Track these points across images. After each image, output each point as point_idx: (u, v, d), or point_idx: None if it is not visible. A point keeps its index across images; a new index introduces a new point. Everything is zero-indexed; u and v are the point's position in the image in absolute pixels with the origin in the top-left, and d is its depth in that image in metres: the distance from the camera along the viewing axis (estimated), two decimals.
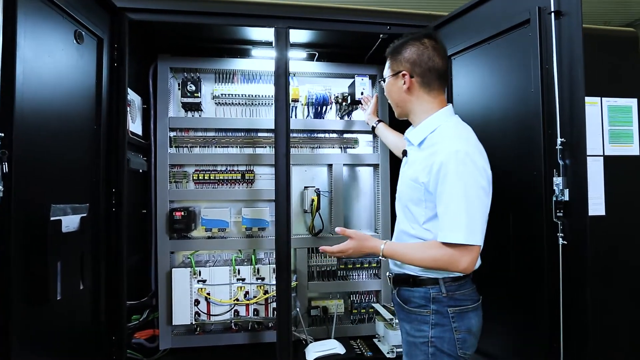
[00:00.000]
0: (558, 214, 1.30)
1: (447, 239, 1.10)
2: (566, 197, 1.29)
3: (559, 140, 1.30)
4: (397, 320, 1.99)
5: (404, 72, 1.25)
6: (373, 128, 2.02)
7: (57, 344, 1.29)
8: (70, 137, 1.38)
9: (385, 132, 1.96)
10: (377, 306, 2.26)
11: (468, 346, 1.20)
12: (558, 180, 1.31)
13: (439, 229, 1.13)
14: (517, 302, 1.46)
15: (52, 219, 1.21)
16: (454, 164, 1.11)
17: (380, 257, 1.25)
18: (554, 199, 1.31)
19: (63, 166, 1.33)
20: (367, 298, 2.37)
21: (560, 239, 1.29)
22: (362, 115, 2.42)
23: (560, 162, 1.30)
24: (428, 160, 1.18)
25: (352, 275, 2.36)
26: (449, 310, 1.18)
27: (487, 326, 1.29)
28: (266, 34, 2.03)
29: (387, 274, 1.40)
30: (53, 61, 1.26)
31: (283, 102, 1.81)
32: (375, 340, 2.21)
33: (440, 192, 1.13)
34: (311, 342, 2.10)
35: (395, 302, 1.33)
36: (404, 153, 1.36)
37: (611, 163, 1.86)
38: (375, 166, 2.41)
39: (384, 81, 1.35)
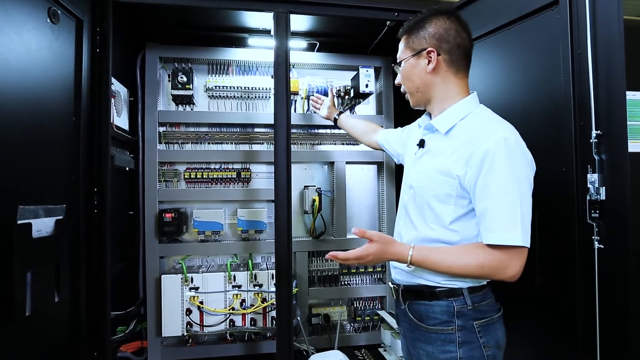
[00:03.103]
0: (593, 215, 1.17)
1: (500, 241, 0.95)
2: (602, 196, 1.16)
3: (593, 132, 1.17)
4: (398, 327, 1.85)
5: (430, 49, 1.08)
6: (335, 120, 1.90)
7: None
8: (43, 129, 1.21)
9: (350, 121, 1.86)
10: (383, 313, 2.12)
11: None
12: (593, 178, 1.18)
13: (485, 229, 0.98)
14: (545, 315, 1.32)
15: (19, 222, 1.04)
16: (504, 153, 0.95)
17: (407, 266, 1.04)
18: (588, 197, 1.18)
19: (34, 162, 1.16)
20: (371, 304, 2.23)
21: (596, 242, 1.16)
22: (366, 111, 2.31)
23: (596, 157, 1.17)
24: (464, 149, 1.01)
25: (355, 281, 2.22)
26: (474, 325, 1.03)
27: (510, 341, 1.16)
28: (264, 20, 1.88)
29: (390, 284, 1.22)
30: (21, 41, 1.09)
31: (283, 93, 1.66)
32: (380, 349, 2.08)
33: (485, 185, 0.97)
34: (313, 352, 1.95)
35: (407, 319, 1.13)
36: (421, 143, 1.16)
37: (632, 160, 1.75)
38: (380, 164, 2.27)
39: (399, 65, 1.18)
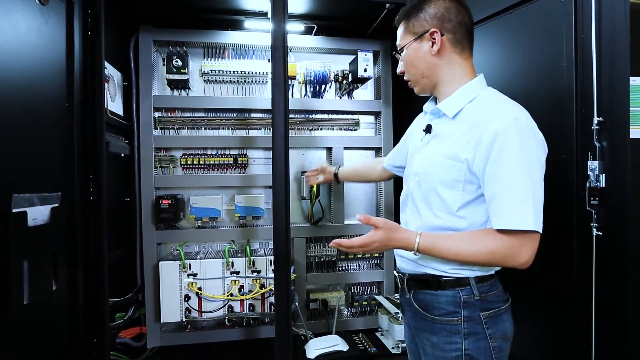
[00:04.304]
0: (592, 202, 1.18)
1: (510, 225, 0.91)
2: (602, 184, 1.16)
3: (595, 119, 1.17)
4: (402, 316, 1.87)
5: (433, 30, 1.04)
6: (336, 176, 1.85)
7: (26, 355, 1.12)
8: (35, 116, 1.18)
9: (350, 167, 1.85)
10: (380, 298, 2.14)
11: (504, 355, 1.03)
12: (593, 165, 1.18)
13: (495, 214, 0.94)
14: (542, 301, 1.33)
15: (14, 210, 1.03)
16: (514, 135, 0.91)
17: (413, 253, 1.01)
18: (588, 185, 1.19)
19: (27, 150, 1.13)
20: (368, 289, 2.25)
21: (595, 229, 1.17)
22: (364, 96, 2.28)
23: (597, 144, 1.17)
24: (472, 132, 0.97)
25: (353, 266, 2.23)
26: (481, 316, 1.00)
27: None
28: (261, 2, 1.83)
29: (396, 273, 1.20)
30: (9, 23, 1.05)
31: (281, 78, 1.61)
32: (378, 334, 2.10)
33: (495, 168, 0.93)
34: (311, 337, 1.97)
35: (412, 309, 1.11)
36: (428, 128, 1.12)
37: (634, 146, 1.75)
38: (378, 149, 2.26)
39: (401, 53, 1.13)
